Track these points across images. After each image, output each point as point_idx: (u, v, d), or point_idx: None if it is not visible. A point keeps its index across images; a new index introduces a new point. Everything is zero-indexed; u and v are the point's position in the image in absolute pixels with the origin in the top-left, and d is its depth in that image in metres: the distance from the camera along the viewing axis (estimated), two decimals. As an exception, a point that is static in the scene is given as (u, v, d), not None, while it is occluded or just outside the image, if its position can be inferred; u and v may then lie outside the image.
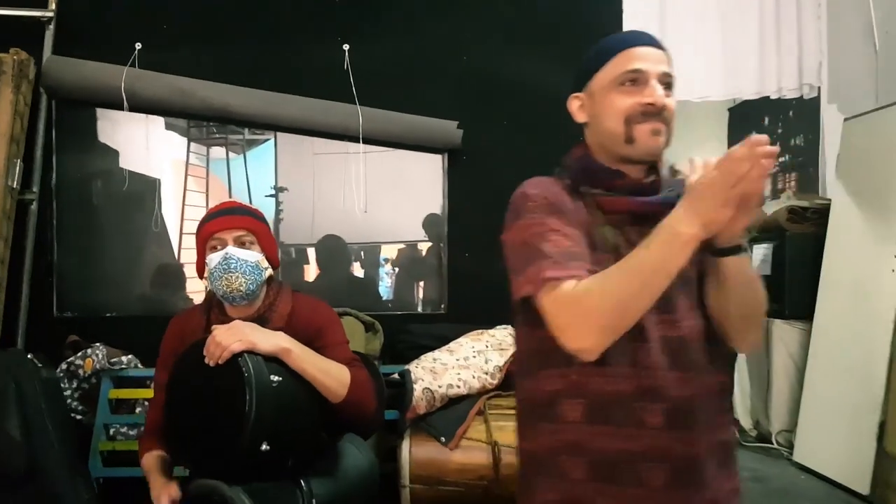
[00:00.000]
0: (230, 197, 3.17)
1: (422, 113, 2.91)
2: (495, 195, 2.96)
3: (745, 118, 6.45)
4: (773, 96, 5.28)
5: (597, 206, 1.30)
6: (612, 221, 1.28)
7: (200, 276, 1.83)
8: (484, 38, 2.96)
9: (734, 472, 1.32)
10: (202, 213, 3.10)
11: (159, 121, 3.02)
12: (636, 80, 1.28)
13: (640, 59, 1.29)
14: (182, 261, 3.20)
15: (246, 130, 3.12)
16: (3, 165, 2.50)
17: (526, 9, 2.98)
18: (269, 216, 3.20)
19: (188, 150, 3.14)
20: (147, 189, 3.14)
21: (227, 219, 1.81)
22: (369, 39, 2.91)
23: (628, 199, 1.28)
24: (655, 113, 1.26)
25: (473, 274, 2.90)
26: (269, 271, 1.80)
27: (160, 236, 3.14)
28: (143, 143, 3.06)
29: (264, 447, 1.51)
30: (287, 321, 1.76)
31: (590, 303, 1.09)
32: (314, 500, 1.66)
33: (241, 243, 1.76)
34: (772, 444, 4.76)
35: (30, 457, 1.80)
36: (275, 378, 1.54)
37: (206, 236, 1.80)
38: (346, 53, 2.89)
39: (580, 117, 1.41)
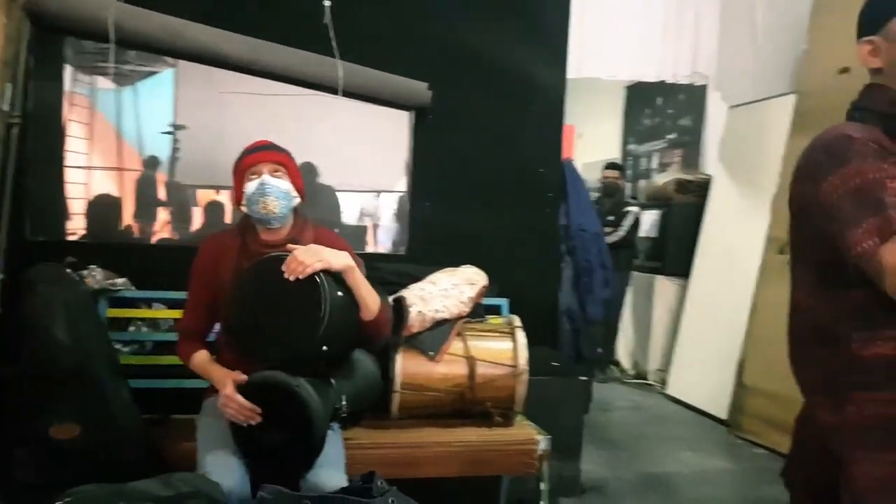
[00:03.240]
0: (117, 131, 3.11)
1: (390, 71, 3.20)
2: (455, 152, 3.37)
3: (640, 97, 7.14)
4: (669, 81, 5.93)
5: None
6: None
7: (238, 204, 2.09)
8: (455, 7, 3.27)
9: None
10: (83, 145, 3.14)
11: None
12: None
13: None
14: (68, 195, 3.04)
15: (134, 55, 2.97)
16: (-1, 88, 2.56)
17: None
18: (164, 154, 3.18)
19: (73, 79, 2.99)
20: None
21: (262, 153, 2.07)
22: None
23: None
24: None
25: (432, 221, 3.27)
26: (297, 200, 2.09)
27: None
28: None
29: (325, 348, 1.84)
30: (314, 246, 2.06)
31: None
32: (343, 396, 2.02)
33: (275, 174, 2.04)
34: (648, 380, 5.57)
35: (77, 358, 2.00)
36: (339, 293, 1.86)
37: (245, 168, 2.05)
38: (327, 9, 3.12)
39: (872, 62, 1.25)
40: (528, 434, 2.43)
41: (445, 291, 2.55)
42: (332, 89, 3.13)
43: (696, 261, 5.16)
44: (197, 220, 3.45)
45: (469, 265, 2.85)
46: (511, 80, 3.36)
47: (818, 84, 4.26)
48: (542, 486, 2.42)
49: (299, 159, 3.14)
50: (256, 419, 1.81)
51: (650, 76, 5.88)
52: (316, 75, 3.13)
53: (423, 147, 3.27)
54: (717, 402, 4.56)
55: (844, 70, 4.06)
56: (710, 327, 4.82)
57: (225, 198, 3.42)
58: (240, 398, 1.79)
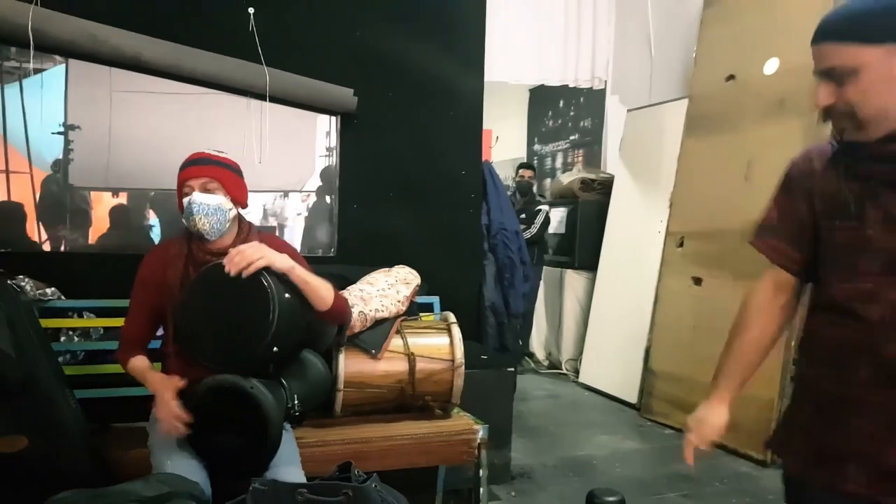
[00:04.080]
0: (1, 132, 2.92)
1: (316, 77, 3.25)
2: (381, 156, 3.46)
3: (543, 99, 7.46)
4: (571, 85, 6.27)
5: (849, 174, 1.27)
6: (863, 189, 1.24)
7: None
8: (379, 16, 3.37)
9: None
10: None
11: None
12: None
13: (813, 62, 1.24)
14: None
15: (15, 52, 2.81)
16: None
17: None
18: (55, 155, 3.03)
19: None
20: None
21: (193, 168, 2.09)
22: (272, 6, 3.18)
23: (875, 167, 1.23)
24: (827, 114, 1.26)
25: (359, 222, 3.35)
26: (233, 211, 2.12)
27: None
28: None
29: (275, 349, 1.90)
30: (260, 253, 2.11)
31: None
32: (295, 396, 2.08)
33: (206, 189, 2.07)
34: (562, 370, 5.86)
35: (24, 370, 1.95)
36: (286, 294, 1.92)
37: (181, 184, 2.08)
38: (252, 16, 3.14)
39: None
40: (466, 424, 2.57)
41: (383, 291, 2.64)
42: (259, 95, 3.17)
43: (602, 255, 5.47)
44: (100, 225, 3.33)
45: (402, 265, 2.95)
46: (433, 86, 3.51)
47: (708, 90, 4.64)
48: (482, 472, 2.57)
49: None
50: (182, 431, 1.84)
51: (554, 80, 6.20)
52: (243, 81, 3.14)
53: (349, 151, 3.35)
54: (626, 387, 4.88)
55: (731, 77, 4.46)
56: (618, 317, 5.13)
57: (124, 200, 3.35)
58: (174, 405, 1.83)
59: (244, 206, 2.15)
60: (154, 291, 2.05)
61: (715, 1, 4.72)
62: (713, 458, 3.85)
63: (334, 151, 3.43)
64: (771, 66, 4.13)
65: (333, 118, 3.37)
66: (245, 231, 2.15)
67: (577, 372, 5.61)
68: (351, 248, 3.35)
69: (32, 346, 1.99)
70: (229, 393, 1.86)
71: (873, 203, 1.22)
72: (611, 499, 1.48)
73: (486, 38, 3.79)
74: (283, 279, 1.91)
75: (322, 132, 3.50)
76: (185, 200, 2.02)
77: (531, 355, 6.12)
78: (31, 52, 2.76)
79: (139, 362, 2.03)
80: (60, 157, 3.08)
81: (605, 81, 6.42)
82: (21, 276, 2.55)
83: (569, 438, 4.19)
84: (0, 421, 1.90)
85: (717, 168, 4.42)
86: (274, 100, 3.16)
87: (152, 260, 2.10)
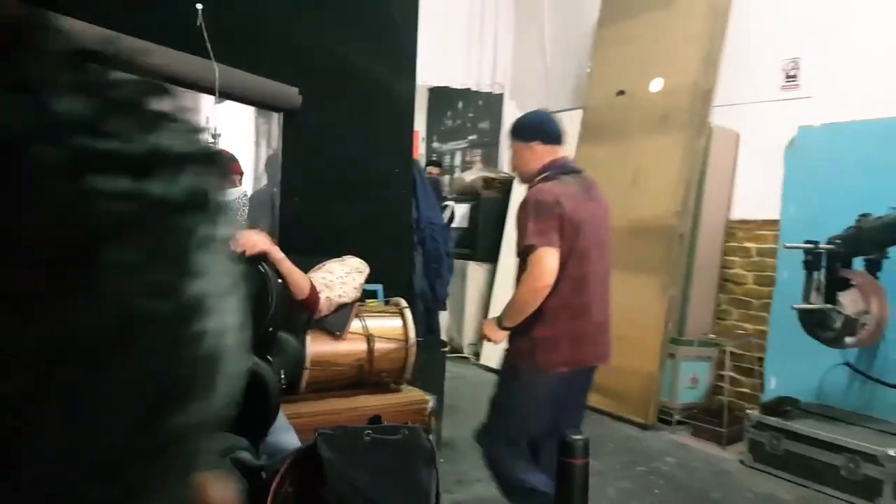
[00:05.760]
0: None
1: (259, 74, 3.41)
2: (321, 152, 3.65)
3: (442, 99, 7.83)
4: (473, 88, 6.68)
5: None
6: None
7: None
8: (317, 18, 3.55)
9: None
10: None
11: None
12: None
13: None
14: None
15: None
16: None
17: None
18: None
19: None
20: None
21: None
22: (220, 3, 3.30)
23: None
24: (513, 169, 2.48)
25: (301, 215, 3.55)
26: None
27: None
28: None
29: (270, 329, 2.11)
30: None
31: None
32: (281, 371, 2.30)
33: None
34: (463, 353, 6.27)
35: None
36: (279, 280, 2.13)
37: None
38: (199, 12, 3.25)
39: None
40: (419, 396, 2.89)
41: (342, 279, 2.89)
42: (207, 90, 3.28)
43: (502, 248, 5.94)
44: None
45: (351, 256, 3.20)
46: (370, 87, 3.75)
47: (600, 103, 5.20)
48: (431, 437, 2.88)
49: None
50: None
51: (457, 83, 6.59)
52: (191, 76, 3.25)
53: (291, 147, 3.54)
54: (526, 367, 5.35)
55: (621, 93, 5.03)
56: (518, 305, 5.60)
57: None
58: None
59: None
60: None
61: (608, 23, 5.28)
62: (606, 424, 4.40)
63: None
64: (656, 84, 4.72)
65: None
66: None
67: (477, 355, 6.05)
68: (293, 238, 3.53)
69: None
70: None
71: None
72: (579, 437, 1.87)
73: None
74: (274, 267, 2.15)
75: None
76: None
77: (434, 341, 6.49)
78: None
79: None
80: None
81: (504, 87, 6.90)
82: None
83: (480, 413, 4.57)
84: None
85: (608, 173, 4.94)
86: (222, 95, 3.29)
87: None
